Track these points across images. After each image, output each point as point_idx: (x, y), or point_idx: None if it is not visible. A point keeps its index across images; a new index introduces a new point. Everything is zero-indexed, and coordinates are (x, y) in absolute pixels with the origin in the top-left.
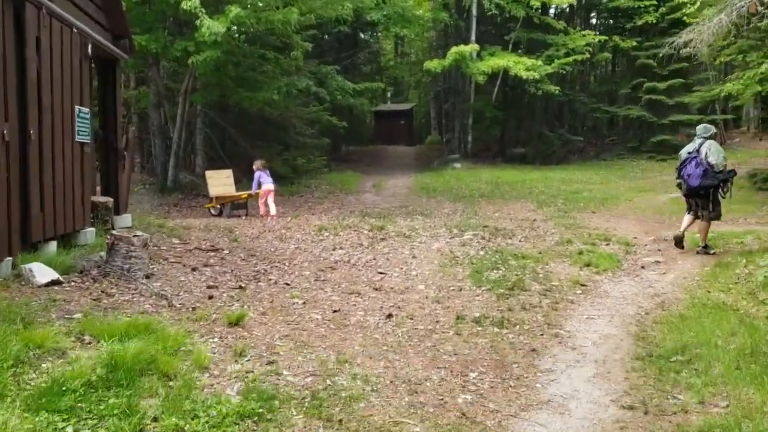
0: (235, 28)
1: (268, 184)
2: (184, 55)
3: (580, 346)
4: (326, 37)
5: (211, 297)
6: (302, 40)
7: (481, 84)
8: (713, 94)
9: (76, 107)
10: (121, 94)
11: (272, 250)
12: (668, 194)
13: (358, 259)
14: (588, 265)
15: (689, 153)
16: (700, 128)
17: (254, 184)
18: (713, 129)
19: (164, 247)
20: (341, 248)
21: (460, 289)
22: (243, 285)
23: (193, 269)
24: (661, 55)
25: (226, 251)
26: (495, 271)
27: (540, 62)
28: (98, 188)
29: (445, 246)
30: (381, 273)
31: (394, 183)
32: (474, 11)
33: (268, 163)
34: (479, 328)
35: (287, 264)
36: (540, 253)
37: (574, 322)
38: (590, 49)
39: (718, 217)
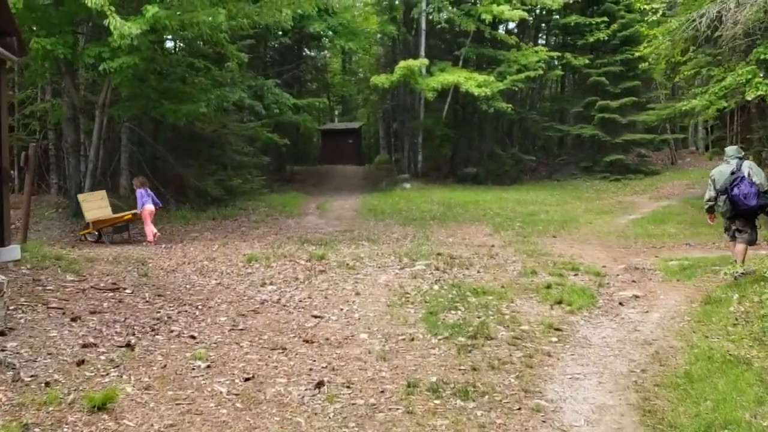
0: (167, 35)
1: (149, 204)
2: (99, 63)
3: (570, 426)
4: (267, 50)
5: (81, 362)
6: (238, 50)
7: (430, 101)
8: (669, 112)
9: None
10: (5, 103)
11: (187, 287)
12: (628, 216)
13: (290, 298)
14: (559, 302)
15: (733, 173)
16: (731, 149)
17: (139, 204)
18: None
19: (51, 287)
20: (272, 283)
21: (412, 339)
22: (132, 341)
23: (74, 318)
24: (614, 71)
25: (128, 290)
26: (453, 312)
27: (492, 78)
28: None
29: (393, 279)
30: (316, 317)
31: (340, 205)
32: (423, 25)
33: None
34: (437, 402)
35: (201, 307)
36: (503, 287)
37: (557, 385)
38: (543, 65)
39: (754, 240)
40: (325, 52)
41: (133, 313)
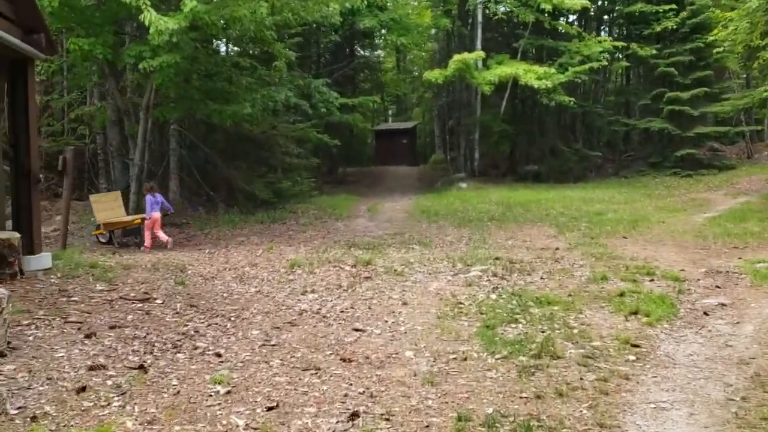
0: (211, 33)
1: (154, 212)
2: (139, 63)
3: None
4: (318, 48)
5: (82, 389)
6: (286, 49)
7: (487, 96)
8: (746, 102)
9: None
10: (35, 103)
11: (224, 296)
12: (703, 214)
13: (332, 308)
14: (635, 312)
15: None
16: None
17: (147, 209)
18: None
19: (76, 298)
20: (313, 291)
21: (465, 358)
22: (148, 361)
23: (89, 335)
24: (683, 61)
25: (159, 301)
26: (512, 326)
27: (553, 70)
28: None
29: (446, 287)
30: (357, 330)
31: (391, 206)
32: (479, 17)
33: (246, 183)
34: None
35: (234, 318)
36: (570, 295)
37: (638, 417)
38: (606, 56)
39: None
40: (379, 51)
41: (157, 327)
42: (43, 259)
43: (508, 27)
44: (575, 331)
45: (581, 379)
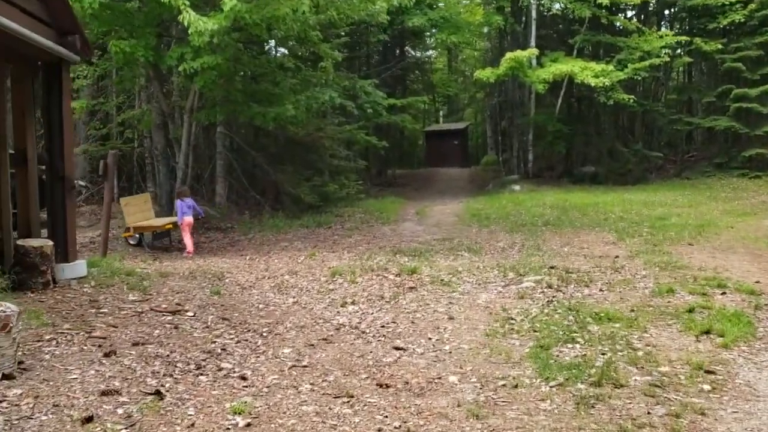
0: (255, 33)
1: (187, 216)
2: (180, 65)
3: None
4: (366, 48)
5: (89, 419)
6: (332, 49)
7: (542, 95)
8: None
9: None
10: (69, 107)
11: (259, 308)
12: None
13: (372, 323)
14: (707, 332)
15: None
16: None
17: (178, 215)
18: None
19: (106, 309)
20: (353, 303)
21: (516, 385)
22: (167, 385)
23: (109, 353)
24: (752, 56)
25: (190, 313)
26: (569, 346)
27: (611, 67)
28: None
29: (496, 299)
30: (398, 349)
31: (440, 209)
32: (533, 13)
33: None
34: None
35: (266, 334)
36: (633, 311)
37: None
38: (668, 52)
39: None
40: (430, 52)
41: (183, 344)
42: (77, 267)
43: (563, 23)
44: (640, 353)
45: (649, 413)
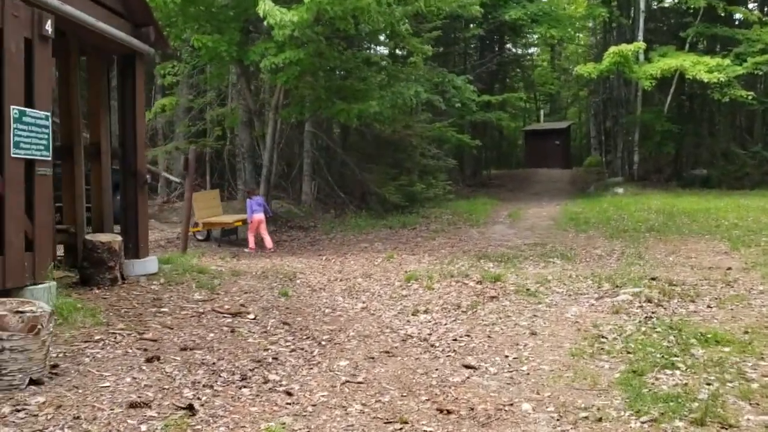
0: (339, 26)
1: (257, 214)
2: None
3: None
4: (461, 43)
5: None
6: (422, 44)
7: (649, 92)
8: None
9: (14, 109)
10: (143, 100)
11: (325, 312)
12: None
13: (443, 335)
14: None
15: None
16: None
17: (248, 213)
18: None
19: (166, 308)
20: (426, 312)
21: (600, 418)
22: (201, 399)
23: (151, 359)
24: None
25: (251, 315)
26: (668, 373)
27: (727, 62)
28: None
29: (586, 313)
30: (468, 367)
31: (535, 212)
32: (641, 5)
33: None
34: None
35: (325, 342)
36: (746, 332)
37: None
38: None
39: None
40: (533, 49)
41: (234, 350)
42: (148, 264)
43: (674, 16)
44: (754, 385)
45: None
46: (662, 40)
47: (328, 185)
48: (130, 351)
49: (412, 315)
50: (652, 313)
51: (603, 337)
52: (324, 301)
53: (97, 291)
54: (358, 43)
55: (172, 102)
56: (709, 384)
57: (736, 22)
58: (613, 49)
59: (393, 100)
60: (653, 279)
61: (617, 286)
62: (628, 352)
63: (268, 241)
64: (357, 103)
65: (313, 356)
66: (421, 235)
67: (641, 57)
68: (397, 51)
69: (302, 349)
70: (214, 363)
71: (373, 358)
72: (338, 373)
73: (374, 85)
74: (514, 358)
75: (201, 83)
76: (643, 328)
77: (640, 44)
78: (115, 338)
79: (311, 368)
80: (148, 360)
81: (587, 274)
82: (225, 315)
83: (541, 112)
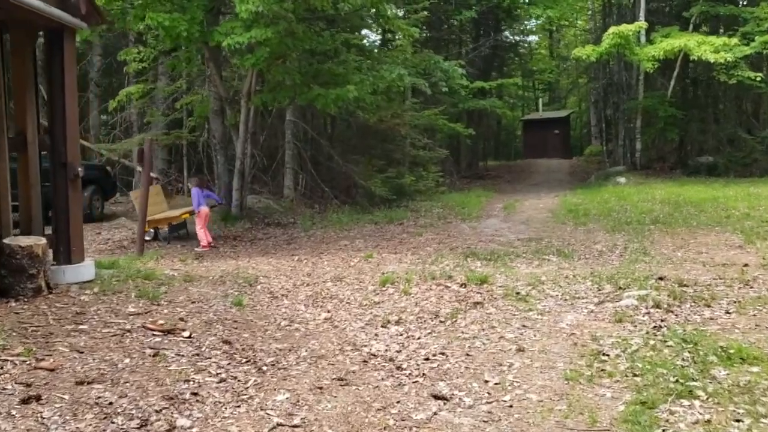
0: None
1: (204, 207)
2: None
3: None
4: (453, 26)
5: None
6: (409, 26)
7: (651, 76)
8: None
9: None
10: (73, 82)
11: (281, 325)
12: None
13: (414, 353)
14: None
15: None
16: None
17: (195, 204)
18: None
19: (86, 326)
20: (398, 322)
21: None
22: None
23: (28, 400)
24: None
25: (186, 333)
26: (685, 404)
27: (735, 41)
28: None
29: (584, 322)
30: (438, 397)
31: (532, 204)
32: None
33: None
34: None
35: (269, 367)
36: None
37: None
38: None
39: None
40: (532, 37)
41: (146, 383)
42: (83, 270)
43: None
44: None
45: None
46: (664, 21)
47: (312, 178)
48: (9, 387)
49: (382, 327)
50: (662, 321)
51: (604, 353)
52: (282, 311)
53: (13, 304)
54: (342, 25)
55: (139, 90)
56: (738, 420)
57: (744, 2)
58: (612, 29)
59: (374, 85)
60: (661, 279)
61: (620, 288)
62: (635, 375)
63: (207, 237)
64: (335, 89)
65: (246, 389)
66: (407, 230)
67: (642, 38)
68: (387, 35)
69: (235, 378)
70: (111, 403)
71: (321, 388)
72: (271, 412)
73: (352, 68)
74: (496, 384)
75: (168, 69)
76: (652, 342)
77: (642, 24)
78: (2, 367)
79: (238, 406)
80: (24, 401)
81: (586, 273)
82: (156, 333)
83: (540, 101)
